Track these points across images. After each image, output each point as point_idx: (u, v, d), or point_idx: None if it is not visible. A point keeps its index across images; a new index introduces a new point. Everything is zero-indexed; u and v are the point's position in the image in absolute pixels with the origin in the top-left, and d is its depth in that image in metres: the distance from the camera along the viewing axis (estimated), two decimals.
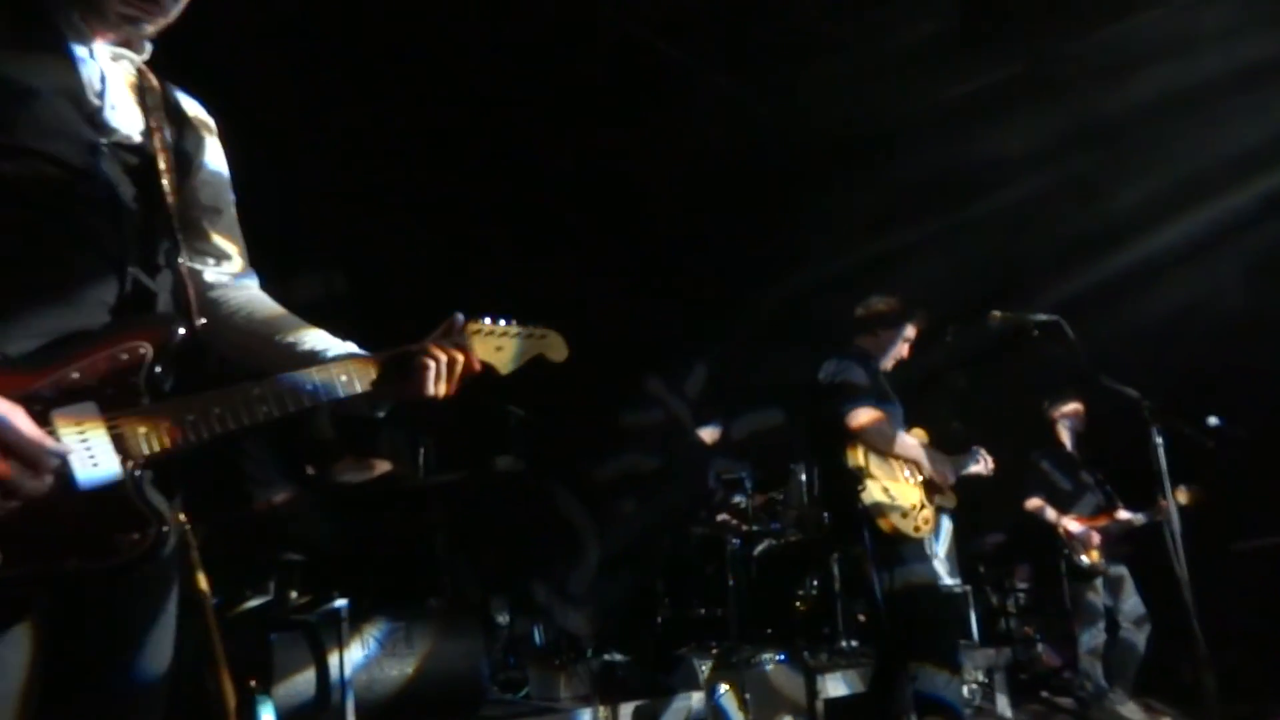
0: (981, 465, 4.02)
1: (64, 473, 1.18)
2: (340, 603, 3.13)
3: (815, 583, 5.43)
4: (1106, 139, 5.66)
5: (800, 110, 5.74)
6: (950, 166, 5.80)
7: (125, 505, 1.23)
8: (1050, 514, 5.38)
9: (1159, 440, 3.67)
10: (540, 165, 5.74)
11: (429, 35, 4.70)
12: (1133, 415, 3.72)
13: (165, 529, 1.25)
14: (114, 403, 1.25)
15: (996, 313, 3.68)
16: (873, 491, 3.55)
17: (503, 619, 4.75)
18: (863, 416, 3.62)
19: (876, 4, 4.94)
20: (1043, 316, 3.65)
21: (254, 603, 3.23)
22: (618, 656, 4.79)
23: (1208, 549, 4.10)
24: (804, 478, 5.70)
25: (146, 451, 1.26)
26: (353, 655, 3.12)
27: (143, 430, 1.25)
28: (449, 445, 4.50)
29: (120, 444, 1.24)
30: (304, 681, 3.00)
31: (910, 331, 3.94)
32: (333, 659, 3.05)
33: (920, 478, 3.79)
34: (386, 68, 4.75)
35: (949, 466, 3.93)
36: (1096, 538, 5.33)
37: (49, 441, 1.17)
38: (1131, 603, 5.27)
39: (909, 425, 3.91)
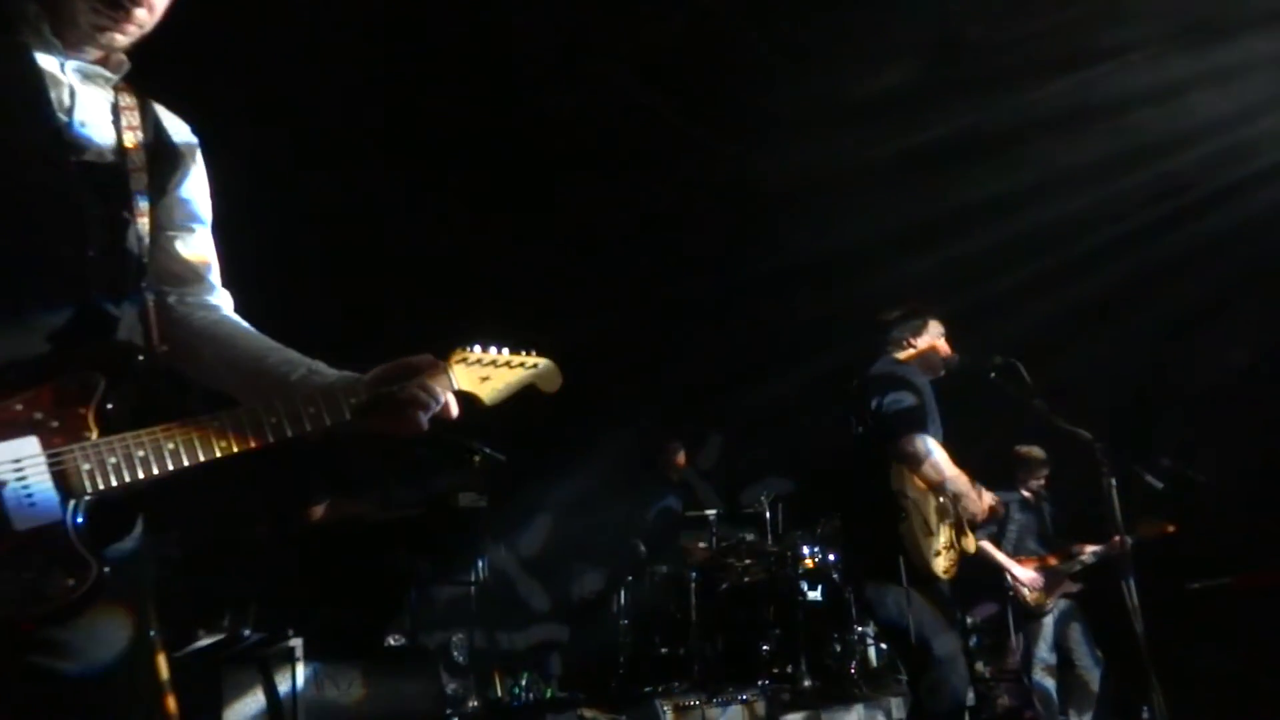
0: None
1: None
2: (295, 641, 3.07)
3: (777, 628, 5.39)
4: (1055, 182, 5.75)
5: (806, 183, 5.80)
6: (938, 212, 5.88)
7: (63, 548, 1.15)
8: (999, 556, 5.32)
9: (1112, 481, 3.73)
10: (551, 235, 5.84)
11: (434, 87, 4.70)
12: (1086, 456, 3.77)
13: (105, 570, 1.17)
14: (58, 436, 1.17)
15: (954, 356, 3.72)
16: (913, 523, 3.28)
17: (462, 659, 4.68)
18: (919, 445, 3.31)
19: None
20: (998, 359, 3.70)
21: (205, 641, 3.16)
22: (580, 696, 4.74)
23: (1162, 589, 4.14)
24: (769, 515, 5.73)
25: (90, 490, 1.18)
26: (307, 696, 3.06)
27: (86, 467, 1.17)
28: (411, 480, 4.47)
29: (62, 481, 1.16)
30: None
31: (937, 328, 3.70)
32: (286, 700, 2.99)
33: (952, 519, 3.49)
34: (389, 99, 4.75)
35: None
36: (1041, 580, 5.34)
37: None
38: (1082, 650, 5.30)
39: None
